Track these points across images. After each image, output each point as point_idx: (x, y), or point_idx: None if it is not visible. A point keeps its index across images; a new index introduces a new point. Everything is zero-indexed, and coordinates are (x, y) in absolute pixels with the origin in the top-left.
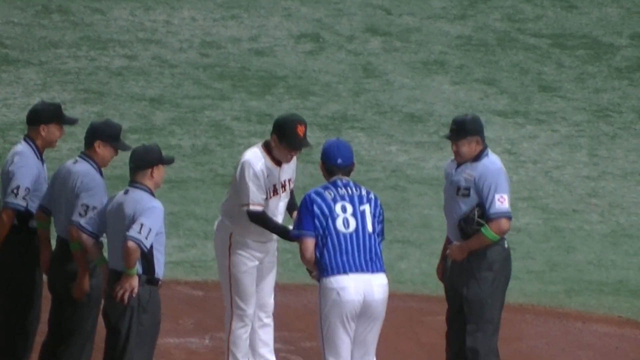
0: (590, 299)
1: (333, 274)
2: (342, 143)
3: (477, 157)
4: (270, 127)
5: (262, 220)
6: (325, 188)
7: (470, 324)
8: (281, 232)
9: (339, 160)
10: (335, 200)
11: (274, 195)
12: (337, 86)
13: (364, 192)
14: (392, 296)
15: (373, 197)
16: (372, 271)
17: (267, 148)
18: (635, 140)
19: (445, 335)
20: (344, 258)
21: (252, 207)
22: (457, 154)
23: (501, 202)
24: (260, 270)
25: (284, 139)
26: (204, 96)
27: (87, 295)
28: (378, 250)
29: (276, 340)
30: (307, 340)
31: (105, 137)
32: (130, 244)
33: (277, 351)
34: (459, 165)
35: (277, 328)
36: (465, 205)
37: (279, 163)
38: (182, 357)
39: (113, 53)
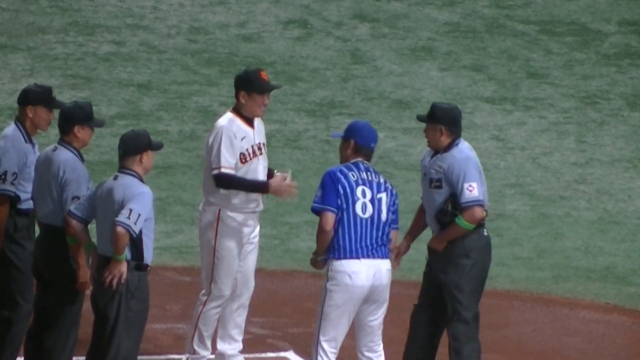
0: (577, 286)
1: (345, 257)
2: (372, 127)
3: (447, 149)
4: None
5: (234, 182)
6: (349, 169)
7: (450, 312)
8: (259, 187)
9: (372, 145)
10: (357, 184)
11: (253, 157)
12: (325, 72)
13: (381, 180)
14: None
15: (390, 186)
16: (381, 257)
17: (237, 111)
18: (623, 127)
19: (409, 326)
20: (358, 242)
21: (223, 170)
22: (426, 137)
23: (470, 190)
24: (244, 250)
25: (252, 87)
26: (192, 82)
27: (73, 280)
28: (386, 238)
29: (263, 326)
30: (295, 326)
31: (82, 119)
32: (120, 229)
33: (264, 337)
34: (433, 155)
35: (264, 314)
36: (439, 197)
37: (251, 124)
38: (169, 343)
39: (101, 39)
